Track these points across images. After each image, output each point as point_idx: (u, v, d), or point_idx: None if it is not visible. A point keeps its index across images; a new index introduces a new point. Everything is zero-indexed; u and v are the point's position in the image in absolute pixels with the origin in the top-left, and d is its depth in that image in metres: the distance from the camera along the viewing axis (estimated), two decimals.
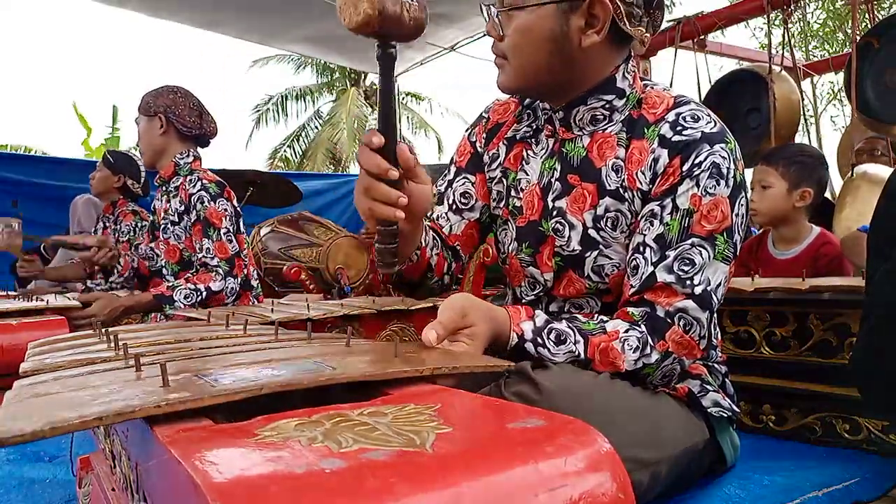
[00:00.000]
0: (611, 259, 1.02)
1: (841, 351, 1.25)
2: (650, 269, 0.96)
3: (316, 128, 19.38)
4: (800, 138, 3.76)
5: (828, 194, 2.55)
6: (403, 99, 18.98)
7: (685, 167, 0.95)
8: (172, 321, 1.77)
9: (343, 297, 2.82)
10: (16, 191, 4.92)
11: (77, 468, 1.25)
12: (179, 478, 0.40)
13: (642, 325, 0.95)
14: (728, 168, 0.95)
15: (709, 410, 1.02)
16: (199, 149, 2.34)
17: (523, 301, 1.15)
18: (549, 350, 0.92)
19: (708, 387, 1.04)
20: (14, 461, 1.57)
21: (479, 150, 1.20)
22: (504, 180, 1.15)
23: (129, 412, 0.50)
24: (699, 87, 3.86)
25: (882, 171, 2.75)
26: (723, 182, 0.95)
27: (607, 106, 1.03)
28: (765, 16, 3.52)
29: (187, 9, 4.53)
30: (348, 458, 0.41)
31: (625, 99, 1.03)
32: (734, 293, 1.37)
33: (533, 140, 1.13)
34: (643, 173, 0.98)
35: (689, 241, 0.95)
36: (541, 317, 0.95)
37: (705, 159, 0.95)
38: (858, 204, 2.60)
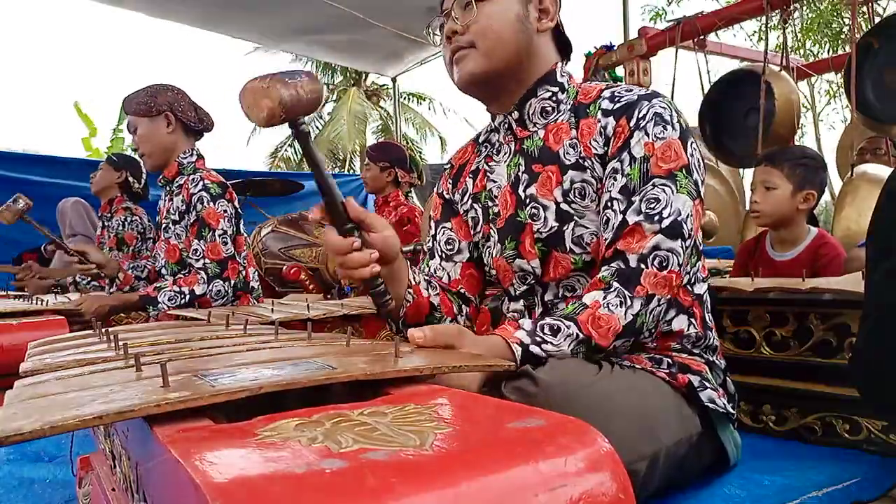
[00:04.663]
0: (587, 228, 1.07)
1: (841, 351, 1.25)
2: (620, 217, 1.01)
3: (317, 127, 19.39)
4: (798, 138, 3.76)
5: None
6: (405, 99, 19.01)
7: (632, 123, 1.03)
8: (173, 321, 1.77)
9: (343, 297, 2.82)
10: (16, 190, 4.92)
11: (77, 468, 1.25)
12: (179, 478, 0.40)
13: (614, 283, 0.98)
14: (671, 115, 1.03)
15: (707, 406, 1.02)
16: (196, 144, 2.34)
17: (517, 295, 1.18)
18: (552, 344, 0.94)
19: (707, 384, 1.05)
20: (14, 461, 1.57)
21: (447, 197, 1.30)
22: (476, 205, 1.23)
23: (129, 411, 0.50)
24: (702, 86, 3.87)
25: (882, 171, 2.75)
26: (669, 127, 1.02)
27: (554, 98, 1.13)
28: (762, 17, 3.52)
29: (186, 8, 4.53)
30: (348, 459, 0.41)
31: (566, 93, 1.14)
32: (734, 293, 1.37)
33: (495, 153, 1.21)
34: (596, 140, 1.07)
35: (651, 183, 1.01)
36: (526, 322, 0.97)
37: (647, 112, 1.03)
38: (858, 204, 2.60)
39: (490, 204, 1.20)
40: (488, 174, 1.21)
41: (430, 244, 1.31)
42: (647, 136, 1.02)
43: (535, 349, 0.93)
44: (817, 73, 5.29)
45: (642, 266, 0.98)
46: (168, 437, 0.47)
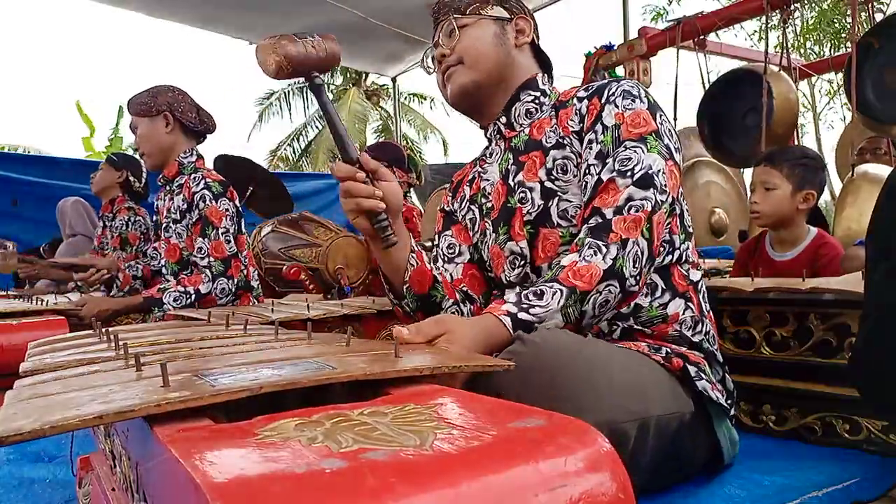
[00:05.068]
0: (571, 202, 1.15)
1: (841, 351, 1.25)
2: (596, 177, 1.09)
3: (316, 127, 19.39)
4: (798, 139, 3.76)
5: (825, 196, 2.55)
6: (406, 99, 19.01)
7: (602, 100, 1.14)
8: (173, 321, 1.77)
9: (343, 297, 2.82)
10: (15, 190, 4.93)
11: (77, 468, 1.25)
12: (179, 478, 0.40)
13: (587, 240, 1.03)
14: (639, 91, 1.13)
15: (701, 393, 1.03)
16: (198, 147, 2.34)
17: (510, 282, 1.23)
18: (539, 307, 0.97)
19: (703, 375, 1.06)
20: (14, 461, 1.57)
21: (448, 210, 1.41)
22: (473, 206, 1.33)
23: (129, 411, 0.50)
24: (704, 86, 3.86)
25: (883, 171, 2.75)
26: (637, 100, 1.12)
27: (536, 101, 1.25)
28: (762, 17, 3.52)
29: (186, 8, 4.53)
30: (348, 458, 0.41)
31: (548, 97, 1.26)
32: (734, 293, 1.37)
33: (488, 157, 1.33)
34: (572, 120, 1.18)
35: (623, 146, 1.09)
36: (511, 294, 1.01)
37: (616, 89, 1.14)
38: (859, 204, 2.60)
39: (484, 201, 1.29)
40: (482, 175, 1.32)
41: (434, 253, 1.39)
42: (617, 107, 1.12)
43: (523, 315, 0.96)
44: (817, 73, 5.30)
45: (617, 215, 1.04)
46: (168, 437, 0.47)
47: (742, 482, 1.04)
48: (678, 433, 0.97)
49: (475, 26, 1.25)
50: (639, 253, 1.02)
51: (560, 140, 1.17)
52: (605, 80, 1.17)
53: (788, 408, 1.33)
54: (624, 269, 1.00)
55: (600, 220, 1.04)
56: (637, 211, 1.03)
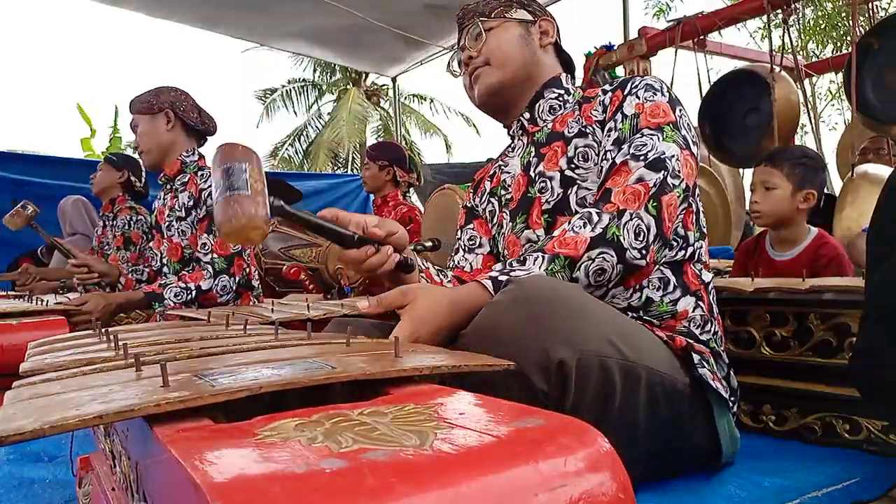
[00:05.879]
0: (590, 189, 1.16)
1: (841, 351, 1.25)
2: (610, 161, 1.11)
3: (317, 127, 19.40)
4: (799, 138, 3.76)
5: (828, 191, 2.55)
6: (406, 99, 19.03)
7: (625, 92, 1.17)
8: (172, 321, 1.77)
9: (343, 297, 2.82)
10: (15, 190, 4.92)
11: (77, 468, 1.25)
12: (179, 478, 0.40)
13: (582, 210, 1.05)
14: (661, 86, 1.16)
15: (701, 378, 1.02)
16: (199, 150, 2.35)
17: None
18: (520, 270, 0.99)
19: (705, 364, 1.06)
20: (14, 461, 1.57)
21: (469, 206, 1.45)
22: (493, 199, 1.36)
23: (129, 411, 0.50)
24: (700, 87, 3.86)
25: (883, 171, 2.75)
26: (658, 93, 1.14)
27: (560, 98, 1.29)
28: (764, 16, 3.52)
29: (186, 8, 4.53)
30: (348, 458, 0.40)
31: (571, 95, 1.30)
32: (734, 293, 1.37)
33: (510, 151, 1.36)
34: (595, 110, 1.21)
35: (640, 133, 1.10)
36: (499, 265, 1.03)
37: (639, 83, 1.17)
38: (859, 204, 2.60)
39: (504, 192, 1.32)
40: (503, 168, 1.35)
41: (457, 245, 1.43)
42: (638, 98, 1.14)
43: (503, 278, 0.97)
44: (818, 72, 5.29)
45: (618, 190, 1.04)
46: (168, 437, 0.47)
47: (742, 482, 1.04)
48: (672, 399, 0.96)
49: (500, 29, 1.29)
50: (642, 227, 1.01)
51: (582, 129, 1.20)
52: (631, 76, 1.22)
53: (788, 408, 1.33)
54: (620, 238, 0.99)
55: (600, 198, 1.06)
56: (640, 186, 1.04)
